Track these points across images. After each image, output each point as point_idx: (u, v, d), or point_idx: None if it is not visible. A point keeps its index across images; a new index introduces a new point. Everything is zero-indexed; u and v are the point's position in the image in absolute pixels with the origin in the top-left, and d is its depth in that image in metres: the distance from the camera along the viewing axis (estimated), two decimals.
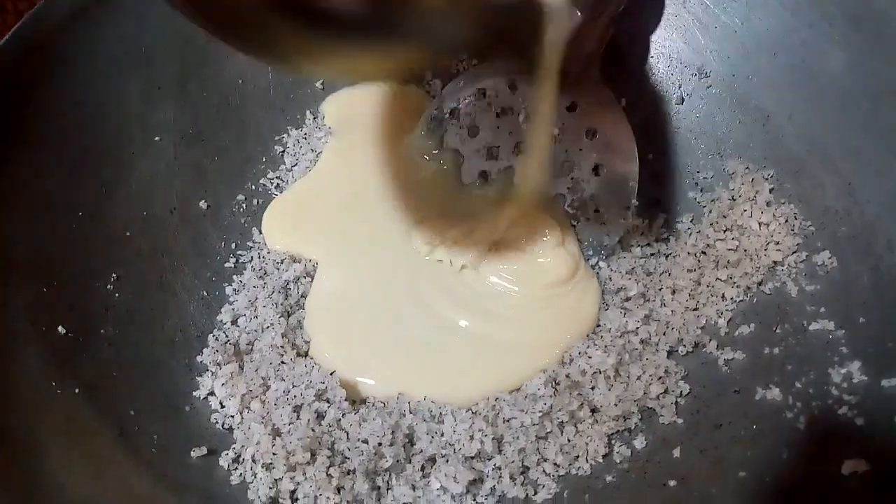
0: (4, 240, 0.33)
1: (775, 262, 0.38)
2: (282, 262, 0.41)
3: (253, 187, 0.43)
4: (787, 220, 0.38)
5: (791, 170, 0.39)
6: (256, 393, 0.35)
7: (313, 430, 0.33)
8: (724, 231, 0.40)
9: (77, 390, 0.32)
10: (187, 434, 0.34)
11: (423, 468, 0.33)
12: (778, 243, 0.38)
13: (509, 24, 0.45)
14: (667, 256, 0.40)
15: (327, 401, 0.35)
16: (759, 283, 0.38)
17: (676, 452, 0.33)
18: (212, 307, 0.39)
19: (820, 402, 0.32)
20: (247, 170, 0.43)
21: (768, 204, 0.39)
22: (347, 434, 0.34)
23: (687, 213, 0.41)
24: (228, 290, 0.40)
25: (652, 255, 0.41)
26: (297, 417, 0.34)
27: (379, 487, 0.33)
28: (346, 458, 0.33)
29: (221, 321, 0.38)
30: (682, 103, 0.43)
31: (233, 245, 0.41)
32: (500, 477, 0.33)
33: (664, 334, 0.37)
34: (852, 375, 0.32)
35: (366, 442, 0.33)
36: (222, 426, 0.35)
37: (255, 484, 0.32)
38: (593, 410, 0.35)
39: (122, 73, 0.40)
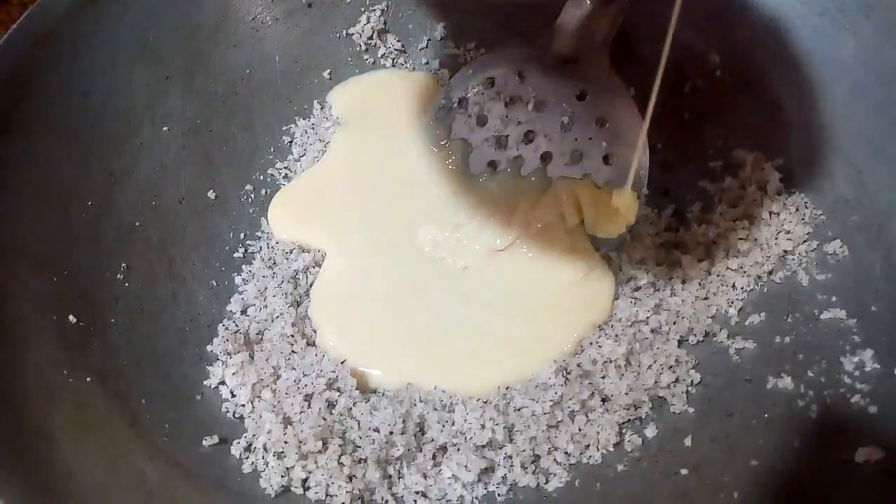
0: (15, 230, 0.33)
1: (786, 252, 0.37)
2: (291, 252, 0.40)
3: (261, 177, 0.43)
4: (797, 210, 0.38)
5: (801, 159, 0.39)
6: (267, 382, 0.35)
7: (324, 418, 0.33)
8: (735, 220, 0.39)
9: (89, 379, 0.32)
10: (199, 423, 0.34)
11: (434, 457, 0.34)
12: (789, 232, 0.38)
13: (518, 12, 0.46)
14: (677, 246, 0.40)
15: (338, 390, 0.35)
16: (770, 273, 0.38)
17: (688, 441, 0.33)
18: (221, 297, 0.39)
19: (832, 390, 0.32)
20: (255, 160, 0.43)
21: (779, 193, 0.39)
22: (359, 423, 0.34)
23: (697, 202, 0.41)
24: (238, 279, 0.39)
25: (662, 244, 0.41)
26: (308, 406, 0.34)
27: (390, 476, 0.33)
28: (358, 446, 0.33)
29: (231, 311, 0.38)
30: (691, 92, 0.43)
31: (241, 235, 0.41)
32: (512, 465, 0.33)
33: (675, 324, 0.37)
34: (865, 364, 0.32)
35: (377, 430, 0.33)
36: (233, 415, 0.35)
37: (267, 472, 0.32)
38: (604, 399, 0.35)
39: (130, 64, 0.39)
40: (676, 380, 0.35)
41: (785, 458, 0.31)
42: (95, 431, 0.30)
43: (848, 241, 0.36)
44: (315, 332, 0.38)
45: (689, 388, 0.35)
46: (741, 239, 0.39)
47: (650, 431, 0.34)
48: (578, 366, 0.36)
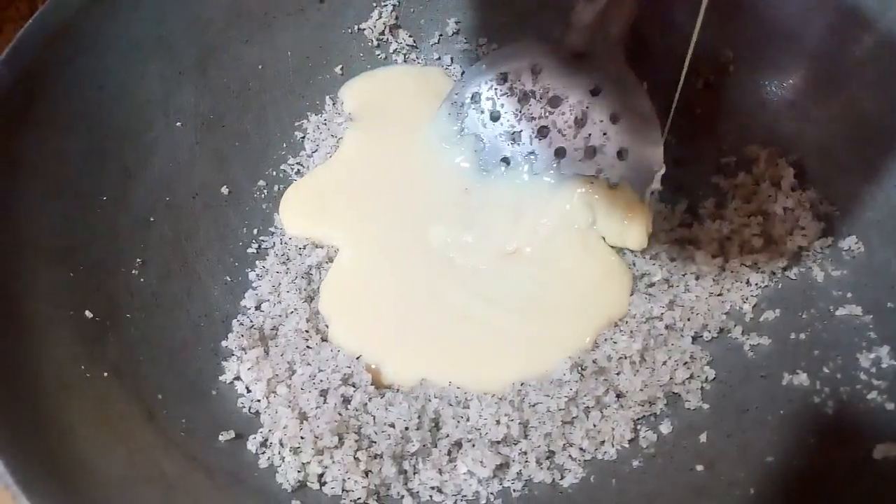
0: (32, 225, 0.33)
1: (800, 248, 0.37)
2: (304, 248, 0.41)
3: (273, 173, 0.43)
4: (811, 205, 0.38)
5: (815, 154, 0.39)
6: (283, 377, 0.35)
7: (340, 414, 0.33)
8: (749, 216, 0.39)
9: (106, 374, 0.32)
10: (215, 418, 0.34)
11: (449, 452, 0.34)
12: (803, 228, 0.38)
13: (531, 7, 0.46)
14: (690, 242, 0.40)
15: (353, 385, 0.35)
16: (785, 269, 0.38)
17: (703, 437, 0.33)
18: (235, 292, 0.39)
19: (848, 386, 0.32)
20: (267, 155, 0.43)
21: (793, 189, 0.39)
22: (374, 418, 0.34)
23: (710, 198, 0.41)
24: (252, 275, 0.40)
25: (675, 240, 0.40)
26: (324, 402, 0.34)
27: (406, 471, 0.33)
28: (373, 442, 0.33)
29: (245, 306, 0.38)
30: (705, 88, 0.43)
31: (255, 231, 0.41)
32: (527, 461, 0.33)
33: (689, 320, 0.37)
34: (881, 360, 0.32)
35: (392, 426, 0.33)
36: (249, 410, 0.35)
37: (284, 467, 0.32)
38: (619, 396, 0.35)
39: (143, 59, 0.39)
40: (691, 376, 0.35)
41: (801, 454, 0.31)
42: (114, 426, 0.30)
43: (863, 237, 0.36)
44: (327, 327, 0.38)
45: (704, 385, 0.35)
46: (755, 235, 0.39)
47: (665, 427, 0.34)
48: (594, 362, 0.36)
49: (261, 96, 0.44)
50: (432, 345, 0.38)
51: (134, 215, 0.38)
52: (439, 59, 0.47)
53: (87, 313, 0.33)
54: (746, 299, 0.37)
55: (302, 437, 0.32)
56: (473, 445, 0.33)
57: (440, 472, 0.33)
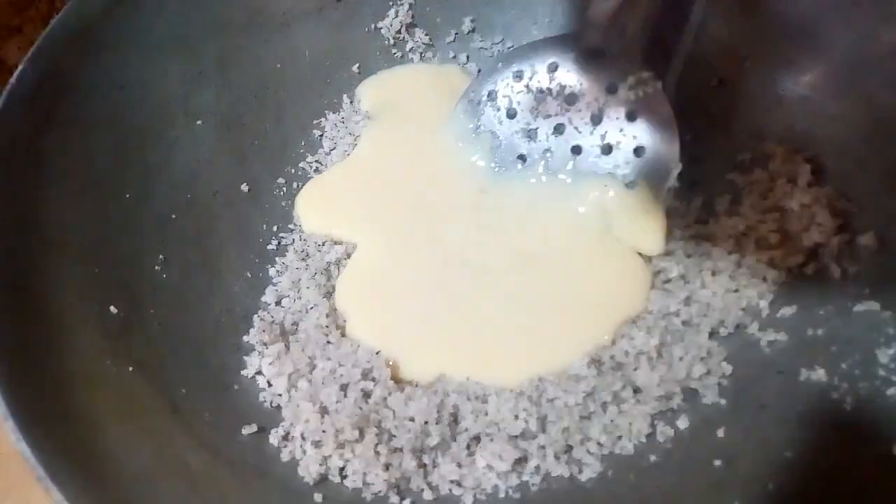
0: (57, 223, 0.34)
1: (817, 244, 0.37)
2: (323, 245, 0.41)
3: (292, 171, 0.43)
4: (828, 202, 0.38)
5: (832, 150, 0.39)
6: (303, 372, 0.35)
7: (360, 408, 0.34)
8: (765, 213, 0.39)
9: (131, 368, 0.32)
10: (237, 412, 0.34)
11: (468, 446, 0.34)
12: (820, 224, 0.38)
13: (546, 4, 0.46)
14: (706, 238, 0.40)
15: (373, 380, 0.35)
16: (801, 265, 0.38)
17: (720, 433, 0.33)
18: (256, 288, 0.39)
19: (867, 382, 0.32)
20: (286, 153, 0.44)
21: (809, 185, 0.39)
22: (394, 412, 0.34)
23: (726, 194, 0.41)
24: (272, 271, 0.40)
25: (691, 236, 0.40)
26: (345, 396, 0.34)
27: (425, 465, 0.33)
28: (393, 436, 0.34)
29: (266, 302, 0.39)
30: (720, 85, 0.43)
31: (274, 227, 0.42)
32: (545, 456, 0.34)
33: (705, 316, 0.37)
34: None
35: (412, 420, 0.34)
36: (270, 404, 0.35)
37: (305, 461, 0.33)
38: (636, 391, 0.35)
39: (165, 58, 0.40)
40: (708, 371, 0.35)
41: (820, 450, 0.31)
42: (139, 420, 0.31)
43: (880, 233, 0.36)
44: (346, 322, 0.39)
45: (721, 380, 0.35)
46: (771, 231, 0.39)
47: (682, 423, 0.34)
48: (611, 357, 0.36)
49: (279, 95, 0.44)
50: (450, 340, 0.38)
51: (156, 212, 0.38)
52: (455, 57, 0.48)
53: (112, 309, 0.34)
54: (763, 295, 0.37)
55: (323, 431, 0.33)
56: (492, 440, 0.34)
57: (459, 465, 0.33)
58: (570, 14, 0.41)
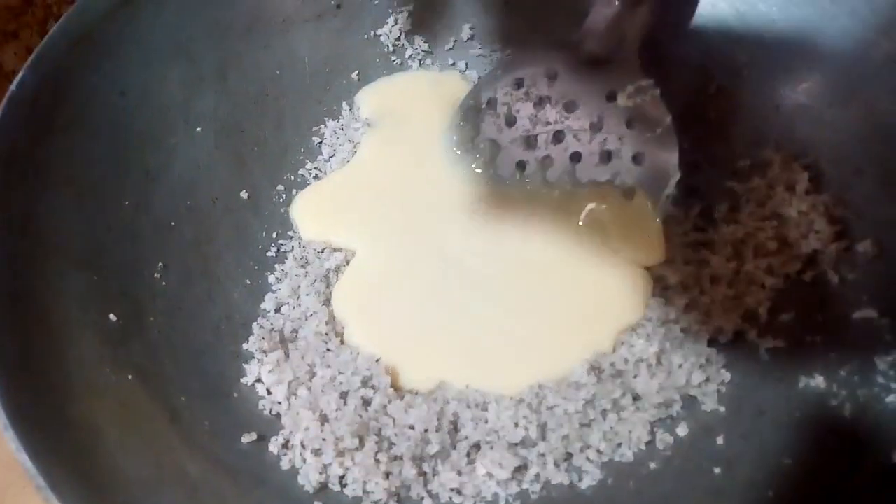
0: (56, 229, 0.34)
1: (815, 251, 0.38)
2: (322, 252, 0.41)
3: (292, 177, 0.43)
4: (826, 209, 0.38)
5: (830, 158, 0.39)
6: (303, 380, 0.35)
7: (360, 416, 0.34)
8: (763, 220, 0.39)
9: (130, 376, 0.32)
10: (237, 420, 0.34)
11: (468, 454, 0.34)
12: (818, 232, 0.38)
13: (546, 12, 0.46)
14: (704, 245, 0.40)
15: (373, 387, 0.35)
16: (800, 272, 0.38)
17: (720, 440, 0.33)
18: (255, 295, 0.39)
19: (866, 389, 0.32)
20: (286, 160, 0.44)
21: (807, 192, 0.39)
22: (394, 420, 0.34)
23: (724, 202, 0.41)
24: (271, 278, 0.40)
25: (690, 244, 0.41)
26: (344, 404, 0.34)
27: (426, 473, 0.33)
28: (393, 444, 0.34)
29: (265, 309, 0.39)
30: (718, 92, 0.43)
31: (274, 234, 0.42)
32: (545, 463, 0.34)
33: (704, 323, 0.37)
34: None
35: (412, 428, 0.34)
36: (270, 412, 0.35)
37: (305, 469, 0.33)
38: (635, 398, 0.35)
39: (164, 64, 0.40)
40: (707, 379, 0.36)
41: (819, 457, 0.31)
42: (139, 428, 0.31)
43: (878, 240, 0.36)
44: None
45: (720, 387, 0.35)
46: (770, 238, 0.39)
47: (682, 430, 0.34)
48: (611, 365, 0.36)
49: (279, 102, 0.44)
50: (449, 348, 0.38)
51: (155, 219, 0.38)
52: (454, 64, 0.48)
53: (112, 316, 0.34)
54: (761, 302, 0.37)
55: (323, 439, 0.33)
56: (492, 447, 0.34)
57: (459, 473, 0.33)
58: (570, 22, 0.41)
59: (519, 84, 0.42)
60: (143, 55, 0.39)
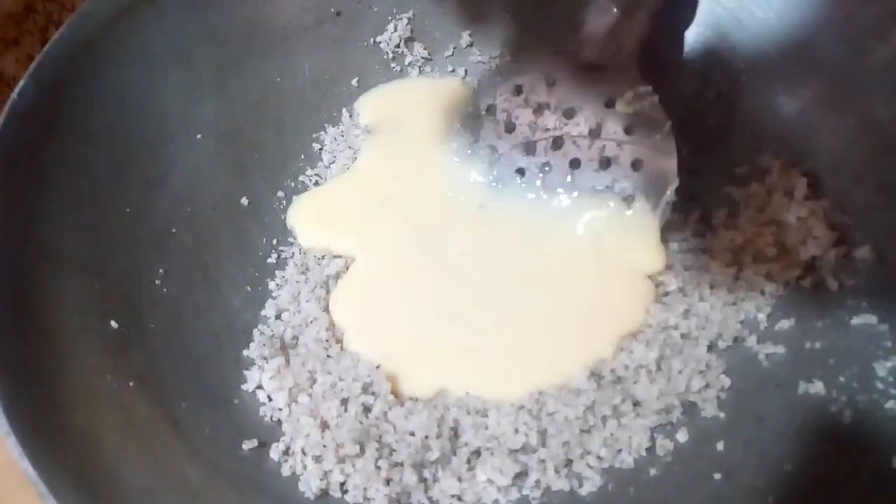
0: (57, 236, 0.34)
1: (814, 257, 0.38)
2: (323, 258, 0.41)
3: (292, 184, 0.44)
4: (825, 215, 0.38)
5: (828, 164, 0.39)
6: (304, 386, 0.35)
7: (361, 422, 0.34)
8: (762, 226, 0.40)
9: (131, 383, 0.32)
10: (237, 426, 0.34)
11: (468, 461, 0.34)
12: (817, 238, 0.38)
13: (544, 19, 0.46)
14: (703, 251, 0.41)
15: (373, 394, 0.35)
16: (799, 278, 0.38)
17: (720, 446, 0.34)
18: (256, 302, 0.39)
19: (865, 395, 0.32)
20: (286, 167, 0.44)
21: (806, 198, 0.39)
22: (394, 427, 0.34)
23: (723, 208, 0.41)
24: (272, 285, 0.40)
25: (689, 250, 0.41)
26: (345, 410, 0.34)
27: (426, 479, 0.33)
28: (394, 450, 0.34)
29: (266, 316, 0.39)
30: (717, 98, 0.43)
31: (274, 241, 0.42)
32: (545, 470, 0.34)
33: (704, 329, 0.37)
34: None
35: (413, 434, 0.34)
36: (271, 419, 0.35)
37: (306, 476, 0.33)
38: (635, 404, 0.35)
39: (165, 72, 0.40)
40: (707, 385, 0.36)
41: (819, 463, 0.31)
42: (140, 434, 0.31)
43: (877, 246, 0.36)
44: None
45: (720, 393, 0.36)
46: (769, 244, 0.39)
47: (682, 436, 0.34)
48: (611, 371, 0.36)
49: (279, 108, 0.44)
50: (449, 355, 0.38)
51: (156, 226, 0.38)
52: (453, 71, 0.48)
53: (112, 323, 0.34)
54: (761, 308, 0.38)
55: (324, 446, 0.33)
56: (492, 454, 0.34)
57: (460, 480, 0.33)
58: (568, 29, 0.41)
59: (518, 91, 0.42)
60: (143, 63, 0.39)
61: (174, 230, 0.39)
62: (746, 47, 0.42)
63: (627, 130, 0.40)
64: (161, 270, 0.37)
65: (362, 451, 0.33)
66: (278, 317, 0.39)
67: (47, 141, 0.35)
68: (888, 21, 0.37)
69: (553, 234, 0.41)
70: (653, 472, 0.34)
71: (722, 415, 0.35)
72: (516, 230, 0.41)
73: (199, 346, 0.36)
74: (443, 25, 0.48)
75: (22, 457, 0.26)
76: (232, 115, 0.43)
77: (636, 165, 0.40)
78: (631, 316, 0.38)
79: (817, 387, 0.34)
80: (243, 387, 0.36)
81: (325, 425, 0.34)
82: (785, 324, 0.37)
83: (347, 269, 0.41)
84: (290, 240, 0.42)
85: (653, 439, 0.35)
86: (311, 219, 0.43)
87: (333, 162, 0.44)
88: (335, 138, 0.45)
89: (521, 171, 0.42)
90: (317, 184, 0.44)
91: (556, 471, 0.34)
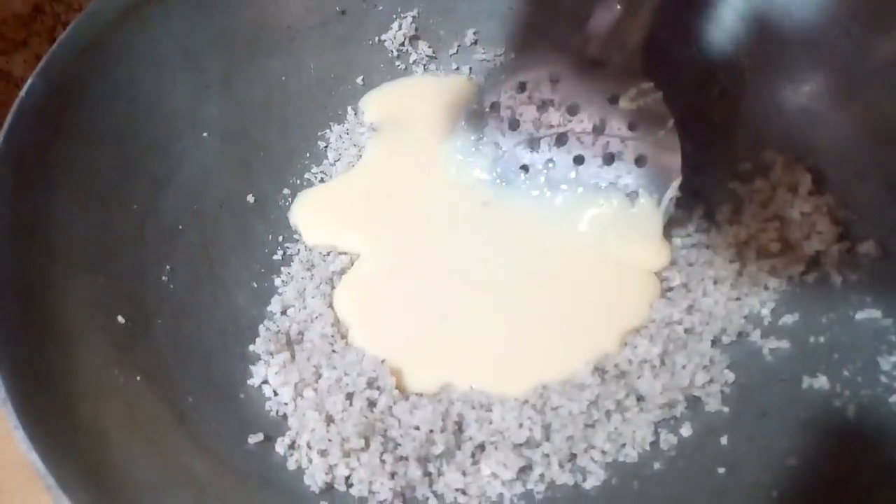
0: (65, 234, 0.34)
1: (818, 252, 0.38)
2: (328, 255, 0.41)
3: (298, 182, 0.44)
4: (828, 210, 0.38)
5: (832, 159, 0.39)
6: (309, 381, 0.36)
7: (366, 417, 0.34)
8: (766, 221, 0.40)
9: (138, 378, 0.33)
10: (243, 421, 0.34)
11: (473, 455, 0.34)
12: (820, 233, 0.38)
13: (548, 17, 0.46)
14: (707, 247, 0.41)
15: (378, 388, 0.35)
16: (803, 273, 0.38)
17: (724, 440, 0.34)
18: (262, 298, 0.39)
19: (869, 390, 0.32)
20: (291, 165, 0.44)
21: (810, 194, 0.39)
22: (399, 421, 0.34)
23: (727, 203, 0.42)
24: (277, 281, 0.40)
25: (693, 245, 0.41)
26: (350, 405, 0.35)
27: (431, 473, 0.34)
28: (399, 444, 0.34)
29: (271, 312, 0.39)
30: (721, 95, 0.43)
31: (280, 238, 0.42)
32: (549, 464, 0.34)
33: (707, 324, 0.37)
34: None
35: (417, 429, 0.34)
36: (276, 413, 0.35)
37: (311, 469, 0.33)
38: (639, 399, 0.35)
39: (171, 72, 0.41)
40: (711, 379, 0.36)
41: (823, 457, 0.31)
42: (146, 429, 0.31)
43: (881, 241, 0.36)
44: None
45: (724, 388, 0.36)
46: (772, 240, 0.39)
47: (686, 430, 0.35)
48: (615, 366, 0.36)
49: (284, 107, 0.45)
50: (454, 350, 0.38)
51: (163, 224, 0.38)
52: (458, 69, 0.48)
53: (120, 319, 0.34)
54: (765, 303, 0.38)
55: (329, 440, 0.33)
56: (496, 448, 0.34)
57: (464, 474, 0.33)
58: (572, 26, 0.41)
59: (522, 88, 0.42)
60: (150, 62, 0.40)
61: (181, 228, 0.39)
62: (750, 44, 0.42)
63: (631, 127, 0.40)
64: (168, 267, 0.37)
65: (367, 445, 0.33)
66: (284, 312, 0.39)
67: (55, 139, 0.35)
68: (892, 17, 0.37)
69: (557, 230, 0.41)
70: (657, 466, 0.34)
71: (726, 409, 0.35)
72: (520, 226, 0.41)
73: (205, 341, 0.37)
74: (447, 24, 0.48)
75: (30, 450, 0.26)
76: (238, 114, 0.43)
77: (640, 162, 0.40)
78: (635, 311, 0.38)
79: (821, 381, 0.34)
80: (249, 382, 0.36)
81: (330, 419, 0.34)
82: (789, 319, 0.37)
83: (353, 265, 0.41)
84: (296, 237, 0.42)
85: (656, 434, 0.35)
86: (313, 215, 0.43)
87: (339, 160, 0.45)
88: (340, 136, 0.45)
89: (525, 168, 0.42)
90: (322, 181, 0.44)
91: (560, 465, 0.34)
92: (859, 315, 0.35)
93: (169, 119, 0.40)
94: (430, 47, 0.48)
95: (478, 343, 0.38)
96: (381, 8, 0.47)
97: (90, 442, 0.29)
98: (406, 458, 0.33)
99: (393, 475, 0.33)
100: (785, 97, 0.41)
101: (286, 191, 0.43)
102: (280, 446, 0.34)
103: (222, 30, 0.42)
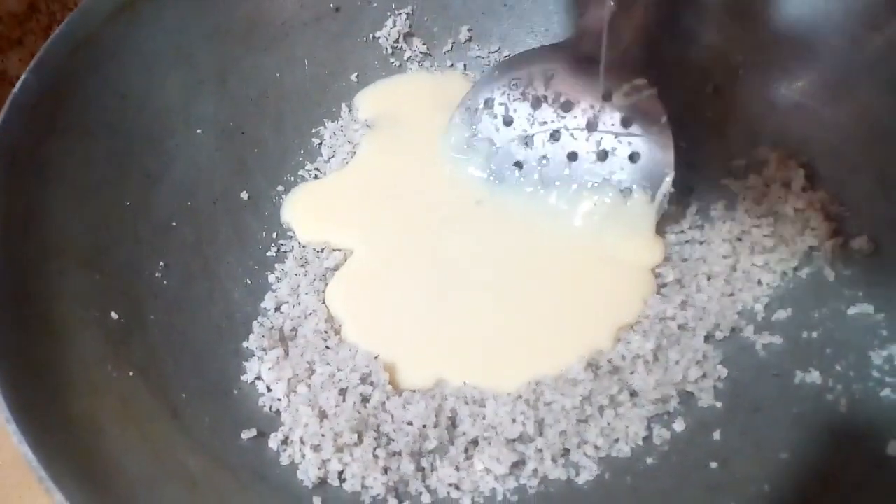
0: (59, 230, 0.34)
1: (811, 248, 0.38)
2: (322, 251, 0.41)
3: (292, 178, 0.44)
4: (822, 206, 0.38)
5: (825, 155, 0.39)
6: (302, 377, 0.36)
7: (359, 412, 0.34)
8: (759, 217, 0.40)
9: (132, 374, 0.33)
10: (237, 416, 0.34)
11: (466, 450, 0.34)
12: (814, 228, 0.38)
13: (542, 14, 0.46)
14: (701, 243, 0.41)
15: (371, 384, 0.36)
16: (796, 268, 0.38)
17: (717, 435, 0.34)
18: (255, 294, 0.39)
19: (861, 384, 0.32)
20: (286, 161, 0.44)
21: (803, 189, 0.39)
22: (392, 417, 0.35)
23: (721, 200, 0.42)
24: (271, 278, 0.40)
25: (686, 241, 0.41)
26: (343, 400, 0.35)
27: (424, 469, 0.34)
28: (392, 439, 0.34)
29: (265, 308, 0.39)
30: (715, 92, 0.43)
31: (273, 234, 0.42)
32: (542, 459, 0.34)
33: (701, 319, 0.37)
34: (893, 358, 0.32)
35: (410, 424, 0.34)
36: (270, 409, 0.35)
37: (304, 465, 0.33)
38: (632, 394, 0.36)
39: (165, 67, 0.41)
40: (704, 375, 0.36)
41: (815, 451, 0.31)
42: (140, 424, 0.31)
43: (873, 236, 0.36)
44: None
45: (717, 383, 0.36)
46: (766, 236, 0.39)
47: (678, 426, 0.35)
48: (608, 361, 0.36)
49: (278, 104, 0.45)
50: (447, 346, 0.38)
51: (156, 220, 0.39)
52: (452, 66, 0.48)
53: (113, 315, 0.34)
54: (758, 299, 0.38)
55: (322, 435, 0.33)
56: (490, 443, 0.34)
57: (457, 469, 0.33)
58: (566, 23, 0.41)
59: (516, 84, 0.42)
60: (143, 59, 0.40)
61: (174, 224, 0.39)
62: (744, 40, 0.42)
63: (625, 123, 0.40)
64: (161, 263, 0.38)
65: (360, 440, 0.33)
66: (278, 309, 0.39)
67: (48, 135, 0.35)
68: (884, 12, 0.37)
69: (551, 227, 0.41)
70: (649, 461, 0.34)
71: (719, 404, 0.35)
72: (514, 222, 0.41)
73: (199, 337, 0.37)
74: (441, 20, 0.48)
75: (22, 442, 0.26)
76: (232, 111, 0.43)
77: (634, 158, 0.40)
78: (628, 307, 0.38)
79: (814, 376, 0.34)
80: (243, 377, 0.36)
81: (323, 415, 0.34)
82: (782, 314, 0.37)
83: (346, 261, 0.41)
84: (290, 233, 0.42)
85: (649, 429, 0.35)
86: (306, 213, 0.43)
87: (333, 156, 0.45)
88: (334, 133, 0.45)
89: (519, 165, 0.42)
90: (316, 178, 0.44)
91: (553, 460, 0.34)
92: (852, 310, 0.35)
93: (162, 115, 0.40)
94: (424, 44, 0.48)
95: (471, 339, 0.38)
96: (375, 5, 0.47)
97: (84, 436, 0.29)
98: (399, 454, 0.33)
99: (386, 470, 0.33)
100: (778, 93, 0.41)
101: (280, 187, 0.43)
102: (273, 442, 0.34)
103: (216, 26, 0.42)
